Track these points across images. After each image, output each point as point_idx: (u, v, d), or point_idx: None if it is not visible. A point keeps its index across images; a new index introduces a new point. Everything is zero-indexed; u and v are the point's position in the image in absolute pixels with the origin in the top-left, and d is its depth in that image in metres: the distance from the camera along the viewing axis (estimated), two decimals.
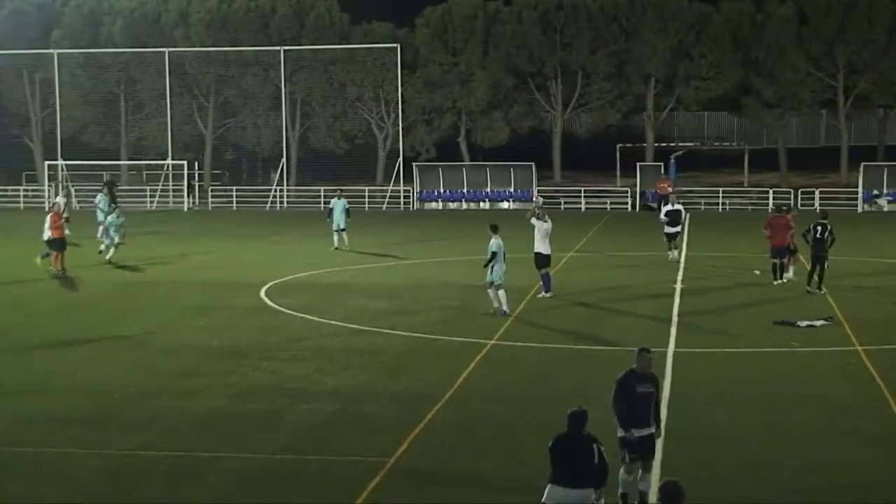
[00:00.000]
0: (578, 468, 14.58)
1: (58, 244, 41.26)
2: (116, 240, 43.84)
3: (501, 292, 32.53)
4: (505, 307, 32.37)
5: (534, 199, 54.61)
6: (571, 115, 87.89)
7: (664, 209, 44.56)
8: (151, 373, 25.82)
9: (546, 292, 35.76)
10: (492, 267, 32.38)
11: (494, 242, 32.55)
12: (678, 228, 43.91)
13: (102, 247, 45.00)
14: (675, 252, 43.76)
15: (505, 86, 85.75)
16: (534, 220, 36.14)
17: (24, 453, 19.65)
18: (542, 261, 36.05)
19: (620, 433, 16.48)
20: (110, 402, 23.09)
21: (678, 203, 45.06)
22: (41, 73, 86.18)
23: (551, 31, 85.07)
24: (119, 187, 75.58)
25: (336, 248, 47.82)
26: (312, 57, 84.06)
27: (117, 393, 23.87)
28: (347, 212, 49.42)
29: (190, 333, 30.46)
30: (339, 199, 49.76)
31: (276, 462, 19.04)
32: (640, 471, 16.63)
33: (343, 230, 48.73)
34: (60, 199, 56.15)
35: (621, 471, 16.42)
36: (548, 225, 35.94)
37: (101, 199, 54.60)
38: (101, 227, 46.55)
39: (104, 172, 78.96)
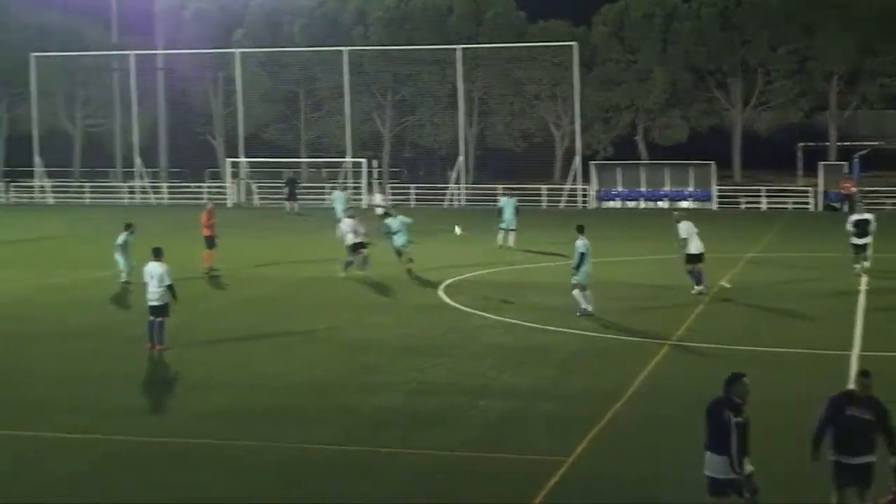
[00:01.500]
0: (719, 435, 14.55)
1: (209, 242, 41.81)
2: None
3: (588, 292, 32.12)
4: (589, 307, 31.94)
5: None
6: (751, 112, 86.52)
7: (852, 218, 40.87)
8: (331, 368, 26.08)
9: (698, 285, 35.79)
10: (577, 268, 31.94)
11: (581, 243, 32.09)
12: (867, 239, 39.99)
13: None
14: (865, 264, 39.72)
15: (683, 83, 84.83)
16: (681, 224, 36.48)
17: (205, 445, 19.97)
18: (695, 259, 36.14)
19: (832, 456, 15.21)
20: (290, 397, 23.37)
21: (867, 212, 41.48)
22: (223, 72, 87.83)
23: (730, 27, 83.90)
24: (300, 184, 76.85)
25: (500, 247, 47.79)
26: (489, 55, 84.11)
27: (297, 388, 24.16)
28: (517, 210, 49.43)
29: (369, 330, 30.69)
30: (509, 197, 49.81)
31: (455, 459, 19.04)
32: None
33: (513, 230, 48.63)
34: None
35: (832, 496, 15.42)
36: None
37: (337, 197, 55.49)
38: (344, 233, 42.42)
39: (284, 170, 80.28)
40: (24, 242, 50.43)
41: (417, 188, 79.56)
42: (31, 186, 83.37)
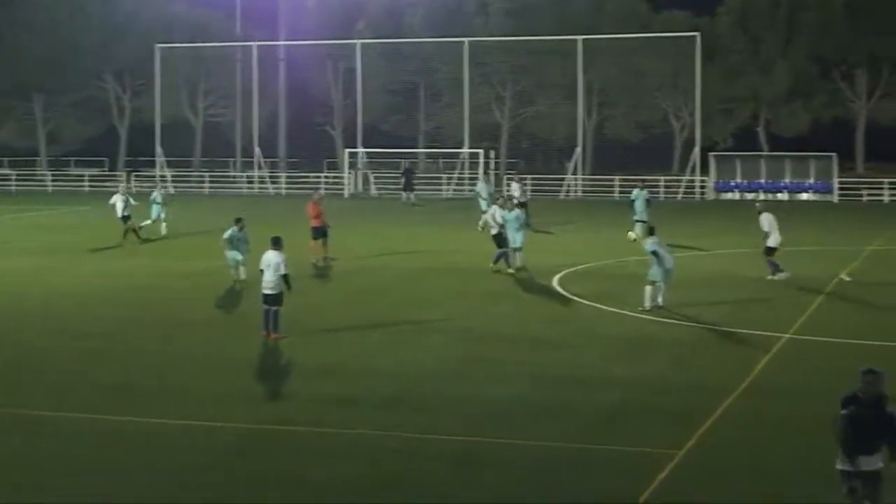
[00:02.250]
0: (872, 432, 14.09)
1: (318, 232, 41.74)
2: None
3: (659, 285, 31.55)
4: (649, 303, 31.38)
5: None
6: (876, 104, 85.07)
7: None
8: (447, 358, 26.09)
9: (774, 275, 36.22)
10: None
11: (651, 241, 31.67)
12: None
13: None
14: None
15: (807, 74, 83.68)
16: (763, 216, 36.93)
17: (323, 433, 20.07)
18: (773, 251, 36.82)
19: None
20: (406, 386, 23.43)
21: None
22: (344, 63, 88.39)
23: (858, 17, 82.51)
24: (416, 175, 77.08)
25: (634, 240, 46.71)
26: (610, 46, 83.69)
27: (413, 377, 24.21)
28: (648, 202, 48.94)
29: (485, 320, 30.66)
30: (640, 189, 49.26)
31: (567, 450, 18.94)
32: None
33: (644, 221, 47.85)
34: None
35: None
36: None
37: (482, 188, 55.48)
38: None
39: (401, 160, 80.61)
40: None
41: (534, 179, 79.37)
42: (153, 176, 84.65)
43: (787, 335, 28.08)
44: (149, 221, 48.42)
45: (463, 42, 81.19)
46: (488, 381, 23.83)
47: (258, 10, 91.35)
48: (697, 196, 75.28)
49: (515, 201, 44.36)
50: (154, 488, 17.38)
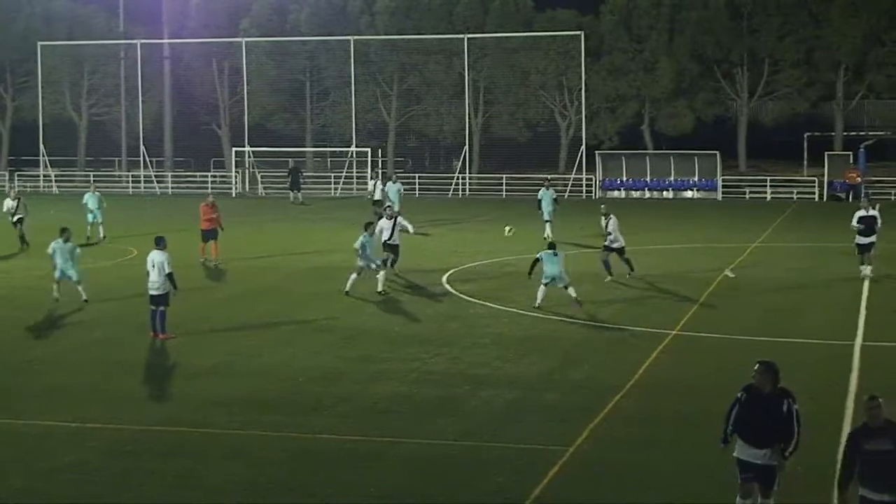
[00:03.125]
0: (762, 425, 14.50)
1: (208, 234, 41.32)
2: None
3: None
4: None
5: None
6: (758, 102, 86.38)
7: (857, 214, 37.89)
8: (334, 357, 26.06)
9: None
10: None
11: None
12: (873, 238, 37.33)
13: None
14: (868, 268, 37.04)
15: (690, 73, 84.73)
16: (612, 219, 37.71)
17: (209, 434, 19.94)
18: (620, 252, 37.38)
19: (860, 491, 13.62)
20: (293, 386, 23.35)
21: (873, 209, 38.74)
22: (229, 61, 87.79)
23: (738, 17, 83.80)
24: (303, 174, 76.80)
25: (545, 238, 46.38)
26: (496, 44, 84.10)
27: (300, 376, 24.13)
28: (555, 201, 49.29)
29: (372, 319, 30.67)
30: (546, 189, 49.40)
31: (456, 448, 19.00)
32: None
33: (548, 221, 48.36)
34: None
35: None
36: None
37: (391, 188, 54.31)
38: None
39: (289, 159, 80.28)
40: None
41: (422, 178, 79.47)
42: (37, 176, 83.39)
43: (674, 332, 28.42)
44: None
45: (349, 40, 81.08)
46: (375, 379, 23.82)
47: (141, 8, 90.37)
48: (584, 194, 75.84)
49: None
50: (39, 489, 17.16)
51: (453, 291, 34.77)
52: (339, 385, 23.40)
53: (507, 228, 44.44)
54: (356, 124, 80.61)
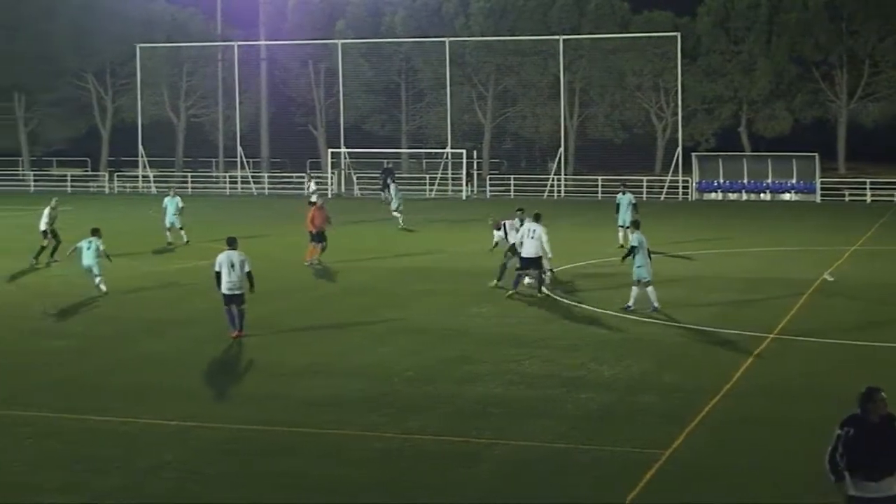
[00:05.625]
0: (882, 455, 12.86)
1: (316, 237, 41.72)
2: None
3: (650, 289, 31.30)
4: (655, 303, 31.22)
5: None
6: (857, 104, 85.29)
7: None
8: (429, 357, 26.06)
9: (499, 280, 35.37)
10: (634, 263, 31.30)
11: (635, 237, 31.58)
12: None
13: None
14: None
15: (788, 74, 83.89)
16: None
17: (305, 434, 20.00)
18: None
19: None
20: (388, 386, 23.36)
21: None
22: (325, 63, 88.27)
23: (838, 18, 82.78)
24: (397, 174, 77.15)
25: (620, 246, 45.54)
26: (592, 46, 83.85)
27: (396, 376, 24.15)
28: (635, 207, 47.15)
29: (467, 320, 30.63)
30: (623, 193, 48.10)
31: (551, 451, 18.90)
32: None
33: (627, 227, 46.72)
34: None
35: None
36: None
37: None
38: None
39: (383, 160, 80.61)
40: (124, 234, 50.90)
41: (517, 179, 79.36)
42: (136, 176, 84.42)
43: (772, 336, 28.09)
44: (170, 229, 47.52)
45: (444, 42, 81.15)
46: (470, 380, 23.77)
47: (239, 10, 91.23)
48: (680, 196, 75.34)
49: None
50: (139, 486, 17.33)
51: (549, 293, 34.63)
52: (433, 385, 23.39)
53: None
54: (451, 126, 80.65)
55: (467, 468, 18.15)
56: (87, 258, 34.48)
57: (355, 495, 17.07)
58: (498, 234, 36.74)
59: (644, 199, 73.16)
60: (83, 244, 34.85)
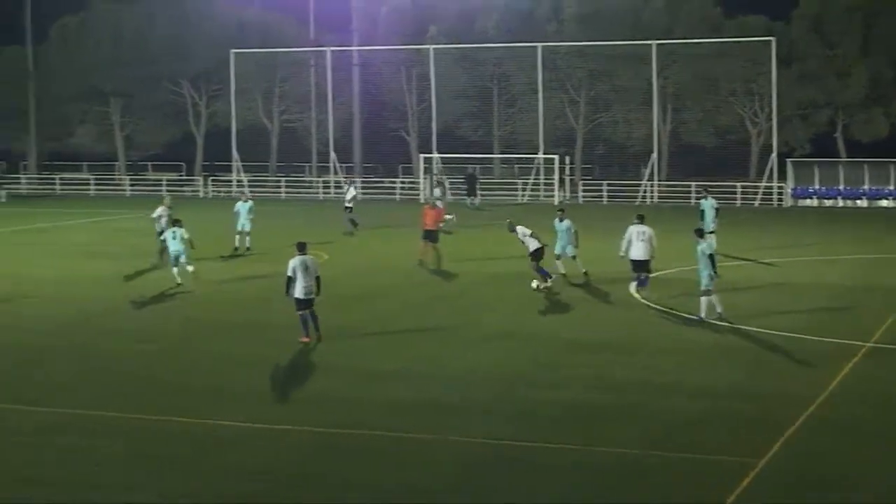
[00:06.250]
0: None
1: (430, 235, 42.20)
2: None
3: (714, 297, 30.61)
4: (719, 309, 30.57)
5: None
6: None
7: None
8: (517, 363, 25.97)
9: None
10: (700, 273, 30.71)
11: (705, 245, 30.95)
12: None
13: None
14: None
15: (885, 79, 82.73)
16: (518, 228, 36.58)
17: (390, 438, 20.00)
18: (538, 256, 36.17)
19: None
20: (475, 391, 23.32)
21: None
22: (417, 69, 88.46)
23: None
24: (479, 179, 77.30)
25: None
26: (685, 51, 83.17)
27: (482, 381, 24.10)
28: (717, 211, 46.43)
29: (555, 325, 30.54)
30: (706, 198, 47.74)
31: (641, 458, 18.74)
32: None
33: (711, 232, 46.19)
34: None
35: None
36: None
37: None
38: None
39: (470, 166, 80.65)
40: (216, 238, 51.34)
41: (610, 185, 79.02)
42: (229, 181, 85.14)
43: (868, 344, 27.68)
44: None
45: (536, 47, 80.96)
46: (557, 385, 23.67)
47: (331, 16, 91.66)
48: (775, 203, 74.58)
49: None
50: (225, 488, 17.45)
51: (639, 298, 34.41)
52: (521, 391, 23.30)
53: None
54: (543, 131, 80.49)
55: (554, 474, 18.05)
56: (174, 246, 37.28)
57: (436, 500, 17.04)
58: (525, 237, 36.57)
59: (738, 205, 72.57)
60: (168, 234, 37.80)
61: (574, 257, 38.22)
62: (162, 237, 39.19)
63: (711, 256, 30.47)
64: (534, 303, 34.00)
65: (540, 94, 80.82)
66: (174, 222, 38.50)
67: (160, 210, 42.66)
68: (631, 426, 20.60)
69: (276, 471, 18.27)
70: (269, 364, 26.17)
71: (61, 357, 27.06)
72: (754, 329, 29.58)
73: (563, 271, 38.01)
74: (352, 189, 59.05)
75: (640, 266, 34.72)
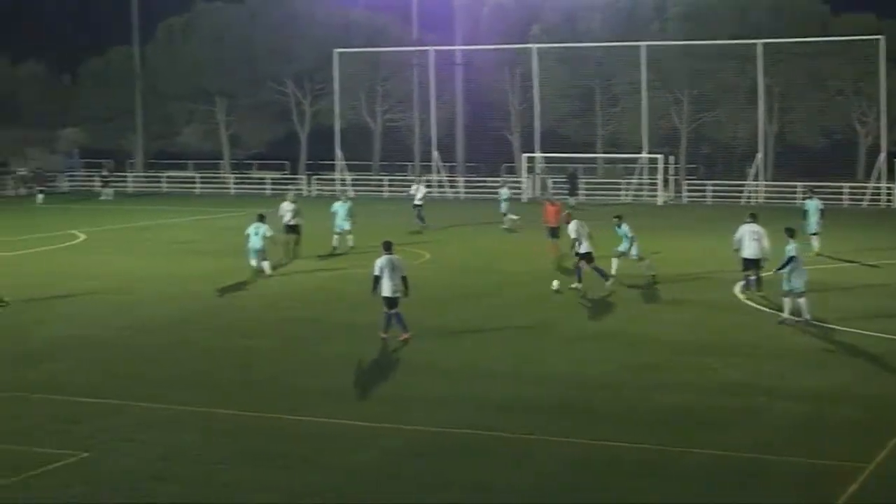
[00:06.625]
0: None
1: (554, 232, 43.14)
2: None
3: (797, 300, 30.00)
4: (807, 315, 29.93)
5: None
6: None
7: None
8: (621, 364, 25.76)
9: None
10: (789, 274, 30.06)
11: (792, 247, 30.23)
12: None
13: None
14: None
15: None
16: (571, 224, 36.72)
17: (499, 438, 19.92)
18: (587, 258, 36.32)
19: None
20: (579, 391, 23.18)
21: None
22: (520, 68, 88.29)
23: None
24: (579, 179, 77.06)
25: (817, 254, 43.55)
26: (791, 49, 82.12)
27: (587, 382, 23.95)
28: (822, 212, 45.59)
29: (660, 327, 30.21)
30: (811, 199, 46.37)
31: (746, 461, 18.47)
32: None
33: (815, 234, 45.00)
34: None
35: None
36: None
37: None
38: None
39: (572, 165, 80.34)
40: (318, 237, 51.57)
41: (714, 185, 78.28)
42: (333, 179, 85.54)
43: None
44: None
45: (640, 46, 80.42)
46: (664, 388, 23.43)
47: (434, 15, 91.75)
48: (883, 203, 73.40)
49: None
50: (334, 487, 17.47)
51: (745, 300, 33.99)
52: (624, 392, 23.13)
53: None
54: (647, 130, 79.95)
55: (657, 477, 17.87)
56: (256, 242, 38.52)
57: (545, 501, 16.91)
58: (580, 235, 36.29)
59: (844, 206, 71.50)
60: (251, 230, 38.75)
61: (640, 258, 37.83)
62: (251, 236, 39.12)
63: (792, 258, 29.88)
64: (634, 304, 33.74)
65: (643, 94, 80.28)
66: (259, 218, 39.17)
67: (285, 206, 43.70)
68: (737, 429, 20.35)
69: (391, 470, 18.30)
70: (371, 362, 26.29)
71: (172, 354, 27.41)
72: (859, 331, 29.07)
73: (653, 272, 37.64)
74: (422, 188, 59.08)
75: (751, 265, 34.35)
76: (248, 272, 38.90)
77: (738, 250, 34.94)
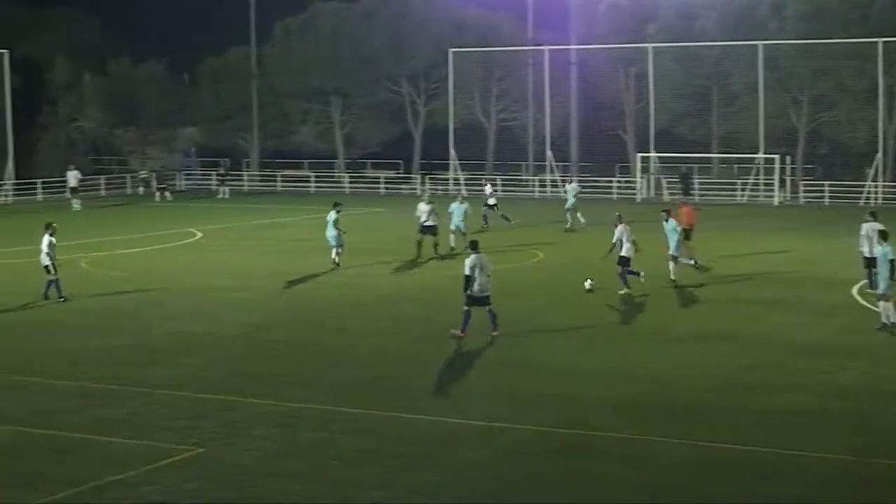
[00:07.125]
0: None
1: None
2: None
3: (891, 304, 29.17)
4: (893, 319, 29.14)
5: None
6: None
7: None
8: (734, 366, 25.61)
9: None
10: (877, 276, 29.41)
11: (885, 249, 29.44)
12: None
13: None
14: None
15: None
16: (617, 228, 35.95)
17: (610, 438, 19.94)
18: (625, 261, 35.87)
19: None
20: (693, 394, 23.09)
21: None
22: (635, 67, 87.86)
23: None
24: (692, 178, 76.46)
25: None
26: None
27: (700, 384, 23.85)
28: None
29: (774, 329, 29.96)
30: None
31: (866, 466, 18.30)
32: None
33: None
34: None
35: None
36: None
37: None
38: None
39: (685, 165, 79.79)
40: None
41: (832, 186, 77.29)
42: (446, 179, 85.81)
43: None
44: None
45: (757, 45, 79.63)
46: (778, 389, 23.28)
47: (549, 14, 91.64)
48: None
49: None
50: (448, 485, 17.64)
51: (863, 303, 33.57)
52: (736, 393, 23.01)
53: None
54: (764, 130, 79.15)
55: (768, 479, 17.78)
56: (328, 230, 41.48)
57: (654, 501, 16.91)
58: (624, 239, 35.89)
59: None
60: (330, 217, 41.63)
61: (675, 258, 37.48)
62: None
63: (893, 262, 29.37)
64: (749, 306, 33.48)
65: (760, 93, 79.49)
66: (334, 205, 41.91)
67: (421, 207, 44.34)
68: (852, 433, 20.15)
69: (505, 469, 18.44)
70: (479, 361, 26.44)
71: (290, 351, 27.83)
72: None
73: (673, 277, 37.18)
74: (489, 187, 59.17)
75: (872, 264, 33.88)
76: (360, 271, 39.22)
77: (864, 248, 34.49)
